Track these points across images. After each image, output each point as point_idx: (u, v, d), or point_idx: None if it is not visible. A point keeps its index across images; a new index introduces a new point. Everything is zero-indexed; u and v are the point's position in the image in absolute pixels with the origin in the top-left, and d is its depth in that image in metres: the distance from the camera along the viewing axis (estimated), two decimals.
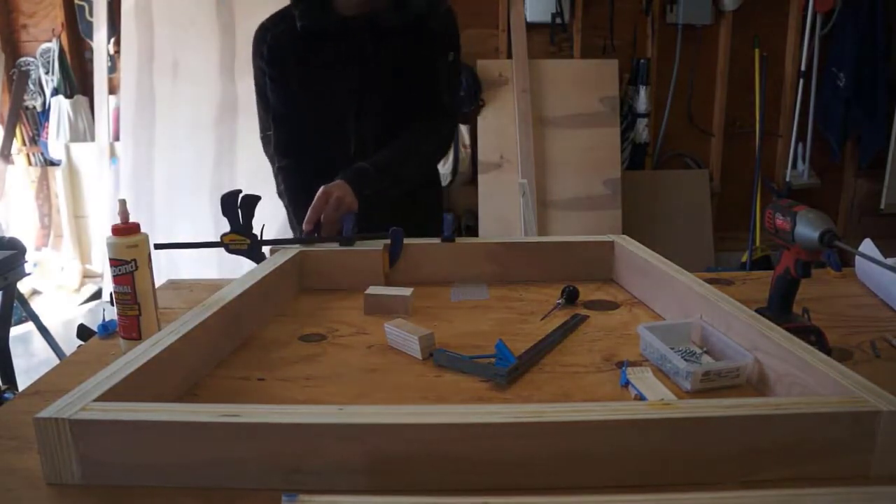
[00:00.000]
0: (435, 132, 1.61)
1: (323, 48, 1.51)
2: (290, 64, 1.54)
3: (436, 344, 1.02)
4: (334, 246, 1.35)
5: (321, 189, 1.37)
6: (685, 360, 0.91)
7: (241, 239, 1.29)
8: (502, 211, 3.77)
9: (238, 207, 1.27)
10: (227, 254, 1.30)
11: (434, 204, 1.76)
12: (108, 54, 3.96)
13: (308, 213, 1.36)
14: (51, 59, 4.06)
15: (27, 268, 2.35)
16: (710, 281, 1.12)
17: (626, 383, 0.90)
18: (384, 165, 1.48)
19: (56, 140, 4.10)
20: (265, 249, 1.31)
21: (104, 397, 0.71)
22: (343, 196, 1.37)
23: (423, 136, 1.58)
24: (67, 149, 4.09)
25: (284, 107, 1.60)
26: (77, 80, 4.17)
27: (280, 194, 1.67)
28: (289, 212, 1.68)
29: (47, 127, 4.14)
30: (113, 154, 3.93)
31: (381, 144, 1.53)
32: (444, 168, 3.90)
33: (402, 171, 1.53)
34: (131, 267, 1.01)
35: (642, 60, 3.87)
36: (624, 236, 1.39)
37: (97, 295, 3.99)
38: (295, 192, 1.63)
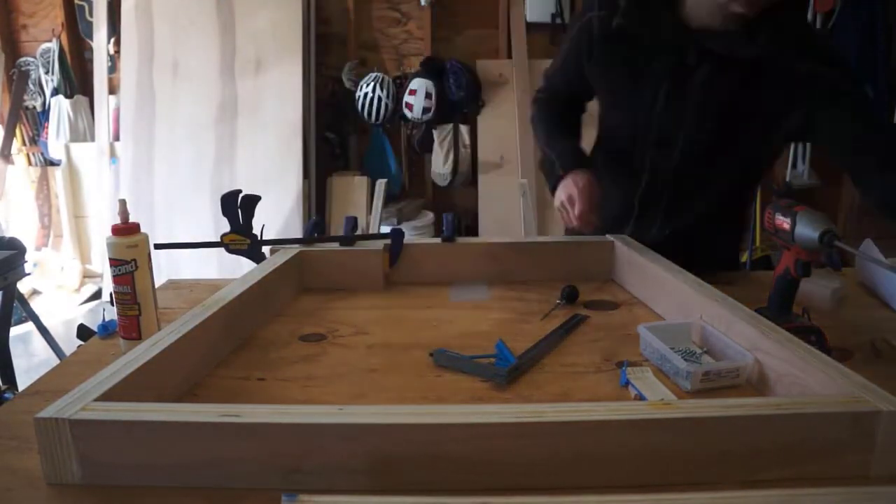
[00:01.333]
0: None
1: (636, 53, 1.26)
2: (595, 53, 1.33)
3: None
4: (334, 246, 1.35)
5: None
6: (685, 360, 0.91)
7: (241, 239, 1.29)
8: (502, 211, 3.77)
9: (238, 207, 1.27)
10: (227, 254, 1.30)
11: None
12: (108, 54, 3.97)
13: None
14: (51, 59, 4.06)
15: (27, 268, 2.35)
16: (710, 281, 1.12)
17: (626, 383, 0.90)
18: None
19: (56, 140, 4.10)
20: (265, 249, 1.31)
21: (104, 397, 0.71)
22: None
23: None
24: (67, 149, 4.09)
25: (565, 82, 1.47)
26: (77, 80, 4.17)
27: (530, 119, 1.56)
28: (535, 130, 1.53)
29: (47, 127, 4.14)
30: (113, 154, 3.93)
31: (682, 182, 1.33)
32: (445, 168, 3.90)
33: None
34: (131, 267, 1.01)
35: None
36: (624, 236, 1.39)
37: (97, 295, 3.99)
38: (546, 115, 1.50)
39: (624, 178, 1.39)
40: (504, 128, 3.82)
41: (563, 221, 1.33)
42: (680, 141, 1.29)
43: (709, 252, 1.35)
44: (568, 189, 1.30)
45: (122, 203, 1.04)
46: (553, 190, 1.36)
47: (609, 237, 1.38)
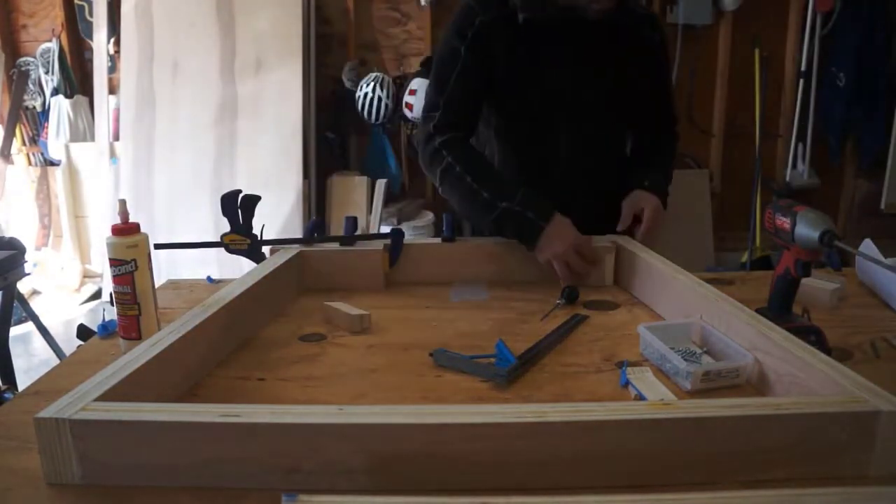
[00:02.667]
0: (677, 139, 1.61)
1: (539, 42, 1.39)
2: (497, 55, 1.38)
3: (371, 325, 1.12)
4: (334, 246, 1.35)
5: (628, 202, 1.41)
6: (685, 360, 0.91)
7: (241, 239, 1.29)
8: None
9: (238, 207, 1.27)
10: (227, 254, 1.30)
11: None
12: (108, 54, 3.97)
13: (625, 218, 1.40)
14: (51, 59, 4.06)
15: (27, 268, 2.35)
16: (710, 281, 1.12)
17: (626, 383, 0.90)
18: (664, 178, 1.50)
19: (56, 140, 4.10)
20: (265, 249, 1.31)
21: (104, 397, 0.71)
22: (656, 211, 1.40)
23: (669, 153, 1.59)
24: (67, 149, 4.09)
25: (464, 95, 1.41)
26: (77, 80, 4.17)
27: (443, 171, 1.39)
28: (457, 183, 1.37)
29: (47, 127, 4.14)
30: (113, 154, 3.93)
31: (594, 148, 1.47)
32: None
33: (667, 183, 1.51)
34: (131, 267, 1.01)
35: None
36: (624, 237, 1.39)
37: (97, 295, 3.99)
38: (470, 154, 1.41)
39: (538, 164, 1.47)
40: None
41: (561, 277, 1.28)
42: (593, 111, 1.44)
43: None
44: (563, 240, 1.28)
45: (122, 203, 1.04)
46: (531, 243, 1.30)
47: (609, 238, 1.38)
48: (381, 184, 3.45)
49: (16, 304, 2.37)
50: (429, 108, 1.44)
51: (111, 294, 1.04)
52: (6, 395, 2.05)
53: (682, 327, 1.02)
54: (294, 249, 1.32)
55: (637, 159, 1.58)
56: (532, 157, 1.47)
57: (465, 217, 1.67)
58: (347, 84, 3.87)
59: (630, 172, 1.51)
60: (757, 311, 0.97)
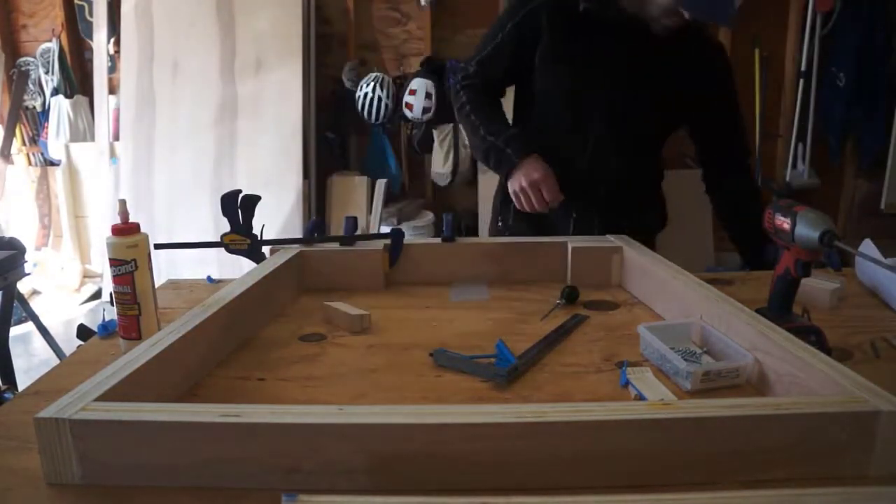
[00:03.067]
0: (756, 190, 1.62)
1: (593, 34, 1.43)
2: (543, 39, 1.45)
3: (371, 325, 1.12)
4: (334, 246, 1.35)
5: None
6: (685, 360, 0.91)
7: (241, 239, 1.29)
8: None
9: (238, 207, 1.27)
10: (227, 254, 1.30)
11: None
12: (108, 54, 3.97)
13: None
14: (51, 59, 4.06)
15: (27, 268, 2.35)
16: (710, 281, 1.12)
17: (626, 383, 0.90)
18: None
19: (56, 140, 4.10)
20: (265, 249, 1.31)
21: (104, 397, 0.71)
22: None
23: (755, 193, 1.59)
24: (67, 149, 4.09)
25: (496, 65, 1.52)
26: (77, 80, 4.17)
27: (459, 107, 1.55)
28: (466, 119, 1.53)
29: (47, 127, 4.14)
30: (113, 154, 3.93)
31: (623, 151, 1.49)
32: (445, 168, 3.90)
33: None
34: (131, 267, 1.01)
35: None
36: (624, 237, 1.39)
37: (97, 295, 3.99)
38: (483, 98, 1.53)
39: (565, 155, 1.49)
40: None
41: (525, 205, 1.39)
42: (624, 113, 1.46)
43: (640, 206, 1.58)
44: (528, 175, 1.37)
45: (122, 203, 1.04)
46: (506, 176, 1.43)
47: (609, 238, 1.38)
48: (381, 184, 3.45)
49: (16, 304, 2.37)
50: (467, 60, 1.60)
51: (111, 294, 1.04)
52: (6, 395, 2.05)
53: (682, 327, 1.02)
54: (294, 249, 1.32)
55: (733, 207, 1.58)
56: (561, 143, 1.51)
57: (471, 146, 1.71)
58: (347, 84, 3.87)
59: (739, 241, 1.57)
60: (757, 311, 0.97)
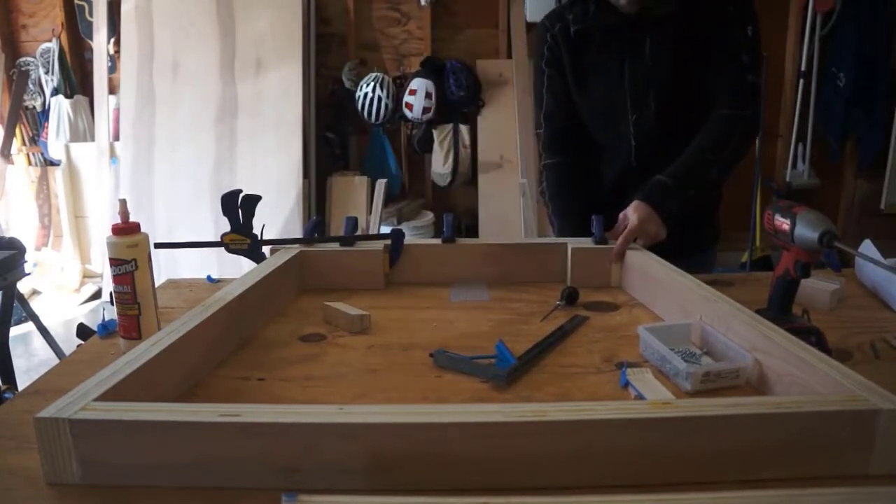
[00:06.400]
0: (739, 119, 1.40)
1: (596, 47, 1.49)
2: (565, 63, 1.53)
3: (371, 325, 1.13)
4: (334, 246, 1.35)
5: (622, 214, 1.36)
6: (685, 360, 0.91)
7: (241, 239, 1.29)
8: (502, 211, 3.77)
9: (238, 207, 1.28)
10: (227, 254, 1.30)
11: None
12: (108, 54, 3.97)
13: (621, 239, 1.31)
14: (51, 59, 4.06)
15: (27, 268, 2.35)
16: (710, 282, 1.12)
17: (626, 384, 0.90)
18: (684, 174, 1.37)
19: (56, 140, 4.10)
20: (265, 249, 1.31)
21: (104, 397, 0.71)
22: (641, 224, 1.31)
23: (725, 127, 1.40)
24: (67, 149, 4.09)
25: (556, 106, 1.58)
26: (77, 80, 4.17)
27: (541, 192, 1.65)
28: (548, 209, 1.62)
29: (47, 127, 4.14)
30: (113, 154, 3.93)
31: (666, 143, 1.44)
32: (445, 168, 3.90)
33: (705, 175, 1.40)
34: (131, 266, 1.01)
35: None
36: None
37: (97, 295, 3.99)
38: (556, 188, 1.58)
39: (614, 153, 1.54)
40: (504, 128, 3.82)
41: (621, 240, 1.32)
42: (651, 100, 1.46)
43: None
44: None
45: (123, 203, 1.05)
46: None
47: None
48: (381, 184, 3.45)
49: (16, 304, 2.37)
50: (536, 125, 1.65)
51: (111, 294, 1.04)
52: (6, 395, 2.05)
53: (682, 328, 1.02)
54: (294, 249, 1.32)
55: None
56: (607, 146, 1.56)
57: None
58: (347, 84, 3.88)
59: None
60: (757, 311, 0.97)
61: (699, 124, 1.43)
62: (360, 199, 3.83)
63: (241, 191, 1.28)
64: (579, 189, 1.58)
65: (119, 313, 1.03)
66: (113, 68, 4.02)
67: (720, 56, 1.41)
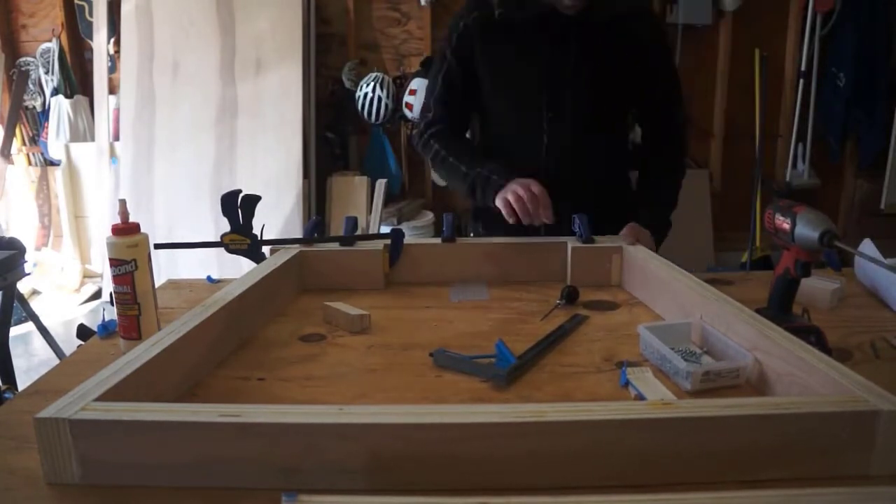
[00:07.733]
0: (681, 158, 1.61)
1: (517, 38, 1.44)
2: (476, 53, 1.48)
3: (371, 325, 1.13)
4: (334, 246, 1.36)
5: (629, 226, 1.40)
6: (685, 360, 0.91)
7: (241, 239, 1.29)
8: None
9: (238, 207, 1.28)
10: (227, 254, 1.30)
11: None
12: (108, 54, 3.96)
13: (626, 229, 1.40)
14: (51, 59, 4.06)
15: (27, 268, 2.35)
16: (710, 281, 1.12)
17: (626, 383, 0.90)
18: (667, 212, 1.51)
19: (56, 140, 4.10)
20: (265, 249, 1.31)
21: (104, 397, 0.71)
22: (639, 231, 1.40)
23: (672, 169, 1.57)
24: (67, 149, 4.09)
25: (448, 95, 1.54)
26: (77, 80, 4.17)
27: (432, 156, 1.56)
28: (442, 163, 1.55)
29: (47, 127, 4.14)
30: (113, 154, 3.93)
31: (577, 148, 1.48)
32: None
33: (670, 213, 1.53)
34: (131, 267, 1.01)
35: None
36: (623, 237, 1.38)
37: (97, 295, 3.99)
38: (447, 140, 1.55)
39: (525, 157, 1.50)
40: None
41: (519, 210, 1.31)
42: (569, 101, 1.46)
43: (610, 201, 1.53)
44: (521, 187, 1.33)
45: (123, 203, 1.05)
46: (492, 199, 1.38)
47: (609, 238, 1.37)
48: (381, 184, 3.45)
49: (16, 304, 2.37)
50: (424, 108, 1.62)
51: (111, 294, 1.04)
52: (6, 395, 2.05)
53: (682, 327, 1.02)
54: (294, 249, 1.32)
55: (644, 179, 1.59)
56: (519, 148, 1.53)
57: (453, 189, 1.78)
58: (347, 84, 3.87)
59: (638, 194, 1.58)
60: (757, 311, 0.97)
61: (613, 138, 1.56)
62: (360, 199, 3.82)
63: (240, 191, 1.28)
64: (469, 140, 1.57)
65: (119, 314, 1.03)
66: (113, 68, 4.02)
67: (652, 96, 1.52)
